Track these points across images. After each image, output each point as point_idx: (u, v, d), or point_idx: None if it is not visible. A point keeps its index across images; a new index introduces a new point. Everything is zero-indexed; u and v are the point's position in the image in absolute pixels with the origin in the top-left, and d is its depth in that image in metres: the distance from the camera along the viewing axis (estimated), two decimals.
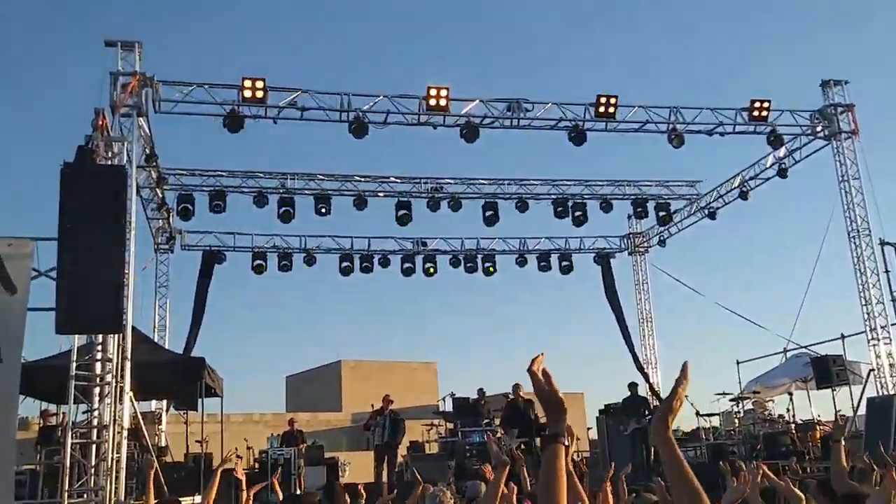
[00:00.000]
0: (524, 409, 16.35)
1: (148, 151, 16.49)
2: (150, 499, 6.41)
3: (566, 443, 2.42)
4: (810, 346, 20.64)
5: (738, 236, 71.22)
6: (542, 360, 2.46)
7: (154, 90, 15.09)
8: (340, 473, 18.72)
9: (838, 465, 5.90)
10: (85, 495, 10.86)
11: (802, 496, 3.59)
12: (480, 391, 18.36)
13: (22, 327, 9.91)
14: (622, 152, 58.58)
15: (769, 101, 17.87)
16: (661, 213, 22.03)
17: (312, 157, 72.33)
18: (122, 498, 11.26)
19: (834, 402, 18.07)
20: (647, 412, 17.56)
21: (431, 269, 23.15)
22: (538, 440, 15.96)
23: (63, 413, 14.29)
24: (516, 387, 16.71)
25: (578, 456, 20.39)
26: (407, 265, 23.04)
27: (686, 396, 2.58)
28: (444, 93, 16.32)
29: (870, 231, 18.04)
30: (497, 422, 17.69)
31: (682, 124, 17.72)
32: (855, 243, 18.20)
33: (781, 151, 19.67)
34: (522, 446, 15.21)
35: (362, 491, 7.88)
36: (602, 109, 16.93)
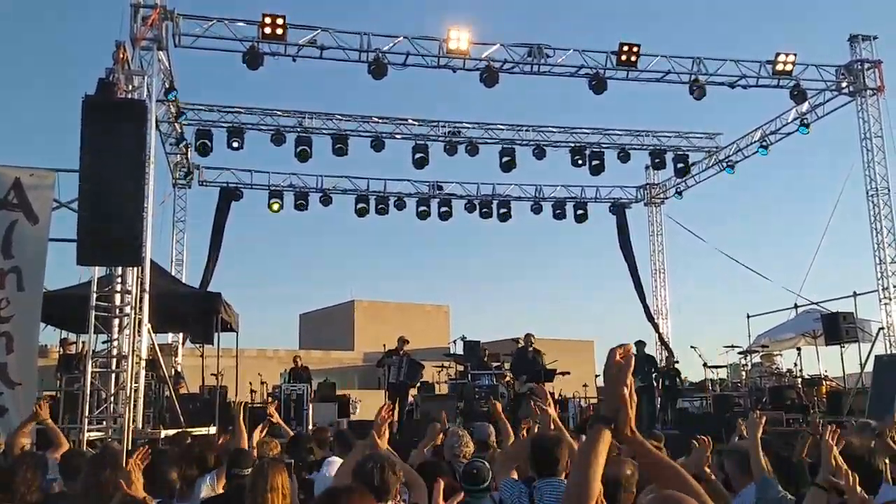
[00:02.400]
0: (532, 358, 16.54)
1: (167, 86, 16.49)
2: (242, 438, 6.55)
3: (611, 426, 2.32)
4: (822, 302, 20.68)
5: (756, 190, 70.72)
6: (630, 350, 2.42)
7: (174, 24, 15.03)
8: (351, 410, 19.12)
9: None
10: (104, 422, 11.19)
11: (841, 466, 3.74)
12: (482, 350, 18.76)
13: (43, 257, 10.13)
14: (642, 102, 57.98)
15: (794, 55, 17.62)
16: (680, 165, 21.93)
17: (330, 97, 71.85)
18: (140, 426, 11.60)
19: (842, 359, 18.19)
20: (653, 370, 17.78)
21: (447, 213, 23.21)
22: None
23: (82, 342, 14.59)
24: (528, 336, 16.87)
25: (586, 403, 20.67)
26: (422, 208, 23.09)
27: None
28: (464, 36, 16.19)
29: (888, 190, 17.95)
30: (507, 366, 17.97)
31: (705, 75, 17.51)
32: (873, 202, 18.10)
33: (804, 106, 19.43)
34: (530, 392, 15.47)
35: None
36: (624, 58, 16.74)
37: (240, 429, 6.60)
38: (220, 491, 5.19)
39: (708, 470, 4.81)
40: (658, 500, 2.17)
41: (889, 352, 17.24)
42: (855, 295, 19.13)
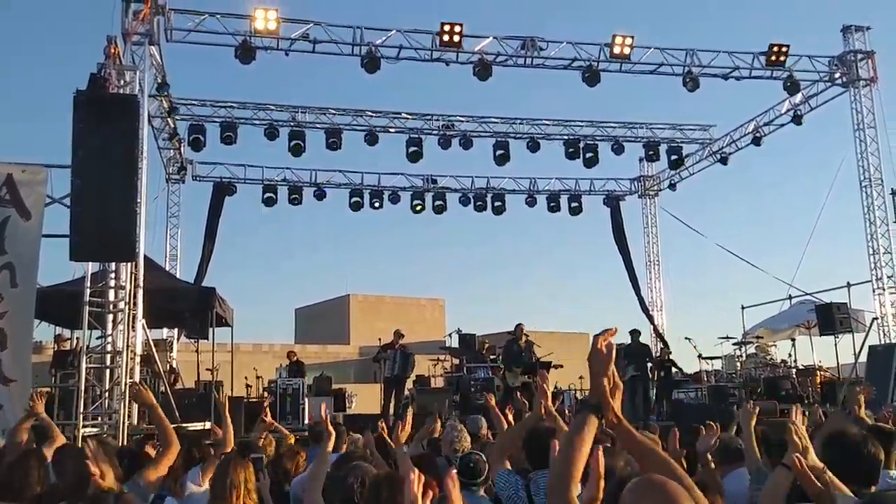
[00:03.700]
0: (521, 350, 16.52)
1: (159, 80, 16.44)
2: (229, 433, 6.47)
3: (598, 413, 2.42)
4: (815, 293, 20.74)
5: (750, 182, 70.81)
6: (614, 333, 2.49)
7: (166, 18, 14.98)
8: (347, 404, 19.15)
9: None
10: (99, 418, 11.17)
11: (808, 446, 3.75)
12: (481, 343, 18.81)
13: (36, 253, 10.08)
14: (635, 94, 57.97)
15: (787, 46, 17.62)
16: (673, 157, 21.93)
17: (324, 91, 71.74)
18: (136, 422, 11.58)
19: (836, 350, 18.25)
20: (647, 359, 17.77)
21: (441, 207, 23.19)
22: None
23: (77, 338, 14.57)
24: (518, 327, 16.82)
25: (581, 394, 20.72)
26: (417, 202, 23.07)
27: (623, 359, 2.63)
28: (457, 29, 16.16)
29: (882, 181, 17.98)
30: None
31: (698, 67, 17.49)
32: (866, 192, 18.14)
33: (797, 98, 19.46)
34: (522, 385, 15.50)
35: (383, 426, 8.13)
36: (617, 50, 16.74)
37: (226, 423, 6.58)
38: (206, 485, 5.17)
39: (709, 456, 4.81)
40: (641, 483, 2.19)
41: (883, 341, 17.31)
42: (849, 285, 19.20)
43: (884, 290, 17.71)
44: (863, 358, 17.39)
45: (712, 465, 4.83)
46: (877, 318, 17.73)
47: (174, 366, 18.39)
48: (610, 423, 2.41)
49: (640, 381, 17.09)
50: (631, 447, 2.49)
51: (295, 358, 18.43)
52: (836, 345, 18.25)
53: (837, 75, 18.64)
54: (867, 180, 18.11)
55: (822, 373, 18.79)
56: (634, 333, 17.75)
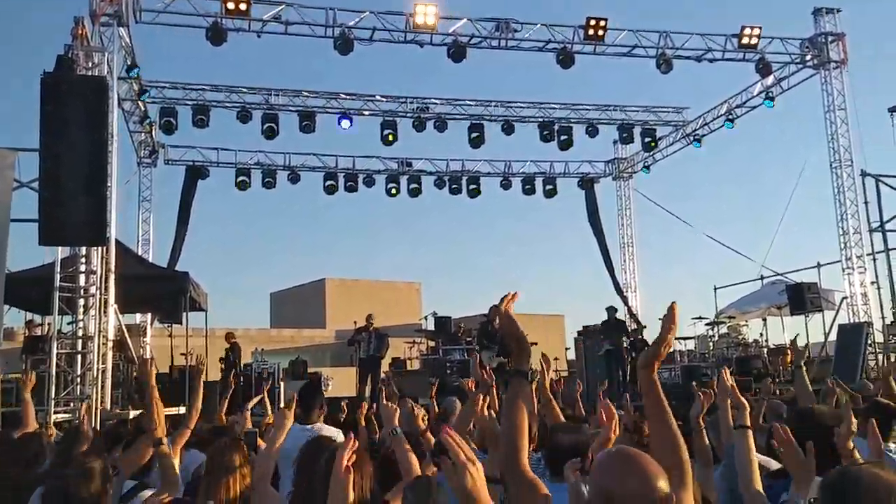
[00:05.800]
0: (498, 332, 16.59)
1: (129, 62, 16.19)
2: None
3: (528, 378, 2.57)
4: (786, 273, 21.01)
5: (723, 164, 71.37)
6: (514, 300, 2.59)
7: None
8: (323, 388, 19.10)
9: (803, 388, 6.16)
10: (71, 404, 11.08)
11: (746, 404, 3.82)
12: (457, 325, 18.88)
13: (5, 238, 9.94)
14: (609, 76, 58.09)
15: (759, 28, 17.73)
16: (647, 139, 22.04)
17: (297, 74, 71.20)
18: (109, 407, 11.51)
19: (807, 329, 18.54)
20: (623, 335, 17.88)
21: (416, 190, 23.14)
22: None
23: (48, 324, 14.42)
24: (492, 309, 16.88)
25: (557, 375, 20.86)
26: (391, 185, 23.01)
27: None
28: (431, 10, 16.08)
29: (852, 161, 18.17)
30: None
31: (672, 49, 17.56)
32: (836, 173, 18.35)
33: (769, 80, 19.59)
34: (497, 366, 15.55)
35: (344, 406, 8.11)
36: (591, 32, 16.75)
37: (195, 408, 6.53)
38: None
39: (701, 423, 4.75)
40: (612, 455, 2.17)
41: (852, 321, 17.58)
42: (819, 265, 19.48)
43: (853, 269, 17.95)
44: (832, 337, 17.68)
45: (704, 433, 4.74)
46: (846, 298, 18.00)
47: (150, 356, 18.19)
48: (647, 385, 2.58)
49: (612, 356, 17.19)
50: (652, 407, 2.55)
51: (233, 340, 18.30)
52: (806, 324, 18.54)
53: (808, 57, 18.78)
54: (837, 161, 18.31)
55: (791, 351, 19.07)
56: (610, 310, 17.83)
